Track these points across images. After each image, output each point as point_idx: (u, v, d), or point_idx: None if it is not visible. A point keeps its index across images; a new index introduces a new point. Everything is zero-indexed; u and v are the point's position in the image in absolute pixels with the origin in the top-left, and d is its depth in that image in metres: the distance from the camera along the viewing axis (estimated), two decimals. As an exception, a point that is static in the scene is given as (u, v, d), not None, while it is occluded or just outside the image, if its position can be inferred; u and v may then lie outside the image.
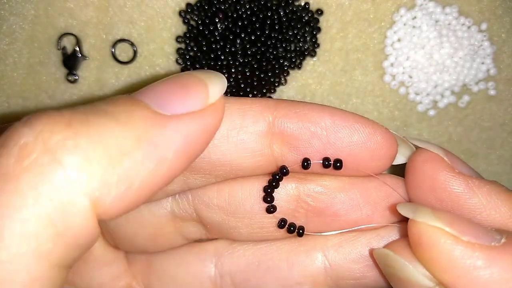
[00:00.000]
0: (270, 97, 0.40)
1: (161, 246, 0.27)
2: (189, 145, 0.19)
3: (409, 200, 0.25)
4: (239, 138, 0.23)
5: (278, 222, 0.25)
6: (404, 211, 0.22)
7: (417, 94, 0.40)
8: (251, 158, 0.24)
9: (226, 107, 0.22)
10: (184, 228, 0.27)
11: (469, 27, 0.39)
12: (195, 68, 0.39)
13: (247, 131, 0.23)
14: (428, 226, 0.21)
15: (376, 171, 0.25)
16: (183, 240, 0.27)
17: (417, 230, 0.21)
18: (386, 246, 0.24)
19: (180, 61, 0.39)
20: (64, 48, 0.39)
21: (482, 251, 0.20)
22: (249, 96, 0.39)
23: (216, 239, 0.27)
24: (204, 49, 0.39)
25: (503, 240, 0.20)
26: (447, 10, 0.39)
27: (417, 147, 0.25)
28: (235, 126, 0.23)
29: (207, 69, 0.39)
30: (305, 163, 0.24)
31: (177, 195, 0.26)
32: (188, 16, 0.39)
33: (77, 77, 0.39)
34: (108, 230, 0.27)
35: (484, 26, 0.39)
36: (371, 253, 0.26)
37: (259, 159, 0.24)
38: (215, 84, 0.21)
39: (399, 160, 0.25)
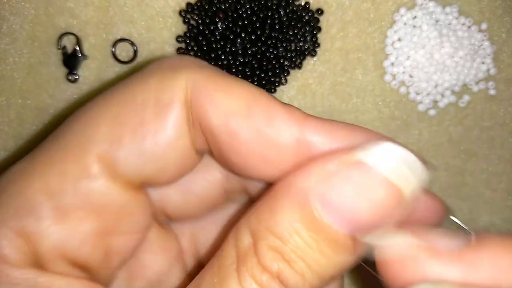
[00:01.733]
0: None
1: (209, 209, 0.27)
2: None
3: None
4: None
5: None
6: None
7: (417, 93, 0.40)
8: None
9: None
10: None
11: (469, 27, 0.40)
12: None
13: None
14: None
15: None
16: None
17: None
18: None
19: (180, 60, 0.39)
20: (64, 48, 0.39)
21: None
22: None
23: None
24: (204, 49, 0.39)
25: None
26: (447, 10, 0.39)
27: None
28: None
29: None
30: None
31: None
32: (188, 16, 0.39)
33: (77, 77, 0.39)
34: (158, 205, 0.26)
35: (484, 26, 0.40)
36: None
37: None
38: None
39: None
